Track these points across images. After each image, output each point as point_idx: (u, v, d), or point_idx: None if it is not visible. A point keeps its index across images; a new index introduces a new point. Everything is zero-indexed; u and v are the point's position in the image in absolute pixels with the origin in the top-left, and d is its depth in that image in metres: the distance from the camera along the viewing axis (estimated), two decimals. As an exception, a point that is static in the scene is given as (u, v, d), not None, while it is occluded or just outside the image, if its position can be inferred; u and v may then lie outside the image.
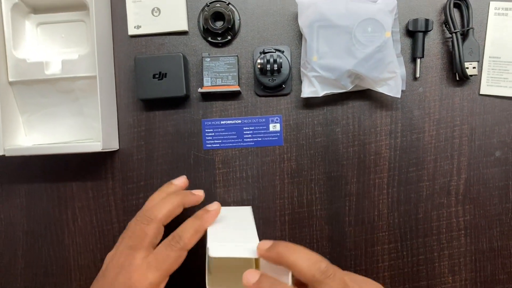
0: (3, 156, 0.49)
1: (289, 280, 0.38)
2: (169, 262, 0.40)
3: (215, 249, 0.39)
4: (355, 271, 0.52)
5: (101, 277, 0.43)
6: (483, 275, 0.52)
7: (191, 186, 0.52)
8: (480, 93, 0.51)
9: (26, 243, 0.54)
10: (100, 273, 0.43)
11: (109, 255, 0.44)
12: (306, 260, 0.37)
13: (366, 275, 0.51)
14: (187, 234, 0.41)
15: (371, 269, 0.52)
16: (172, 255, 0.40)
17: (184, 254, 0.41)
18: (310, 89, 0.49)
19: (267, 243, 0.39)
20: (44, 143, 0.53)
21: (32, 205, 0.54)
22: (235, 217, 0.47)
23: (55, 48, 0.53)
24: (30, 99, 0.52)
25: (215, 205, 0.44)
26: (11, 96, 0.51)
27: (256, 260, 0.43)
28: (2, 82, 0.50)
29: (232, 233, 0.43)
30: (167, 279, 0.41)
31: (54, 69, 0.51)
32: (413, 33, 0.51)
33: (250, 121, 0.52)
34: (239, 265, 0.43)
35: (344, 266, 0.52)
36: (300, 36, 0.51)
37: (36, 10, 0.53)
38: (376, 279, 0.51)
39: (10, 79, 0.51)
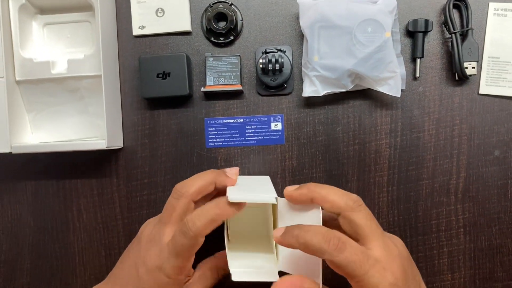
0: (10, 153, 0.50)
1: (320, 218, 0.40)
2: (185, 249, 0.40)
3: (234, 195, 0.40)
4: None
5: (137, 243, 0.45)
6: (482, 272, 0.52)
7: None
8: (480, 92, 0.52)
9: (32, 239, 0.55)
10: (136, 238, 0.46)
11: (149, 220, 0.46)
12: (338, 191, 0.40)
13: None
14: (201, 221, 0.39)
15: (371, 266, 0.53)
16: (186, 242, 0.39)
17: (199, 241, 0.40)
18: (311, 89, 0.50)
19: (294, 186, 0.41)
20: (50, 141, 0.54)
21: (38, 202, 0.55)
22: (253, 181, 0.48)
23: (61, 48, 0.54)
24: (36, 98, 0.53)
25: (236, 196, 0.41)
26: (18, 95, 0.52)
27: (274, 221, 0.44)
28: (10, 81, 0.51)
29: (250, 188, 0.44)
30: (192, 258, 0.41)
31: (60, 69, 0.52)
32: (413, 34, 0.51)
33: (252, 120, 0.53)
34: (256, 229, 0.46)
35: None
36: (301, 36, 0.52)
37: (43, 10, 0.54)
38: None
39: (17, 78, 0.52)
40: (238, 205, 0.40)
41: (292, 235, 0.38)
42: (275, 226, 0.44)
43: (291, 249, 0.40)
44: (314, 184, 0.41)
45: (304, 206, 0.41)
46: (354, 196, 0.39)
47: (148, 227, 0.45)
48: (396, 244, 0.40)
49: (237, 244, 0.46)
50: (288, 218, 0.42)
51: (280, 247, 0.42)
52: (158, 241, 0.42)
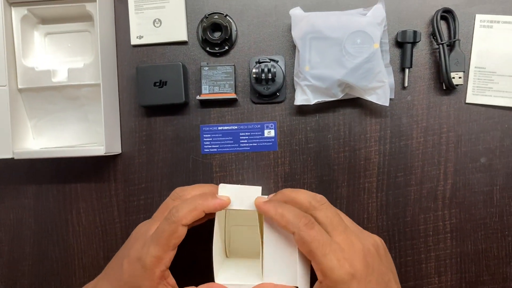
0: (12, 159, 0.52)
1: None
2: (165, 236, 0.41)
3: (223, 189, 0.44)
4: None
5: (128, 240, 0.47)
6: (468, 276, 0.54)
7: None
8: (466, 101, 0.53)
9: (33, 241, 0.57)
10: (129, 237, 0.48)
11: (143, 222, 0.48)
12: (305, 193, 0.44)
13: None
14: (184, 209, 0.42)
15: (360, 269, 0.54)
16: (166, 228, 0.41)
17: (180, 229, 0.41)
18: (303, 97, 0.52)
19: (270, 196, 0.46)
20: (51, 147, 0.56)
21: (39, 206, 0.57)
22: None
23: (61, 57, 0.56)
24: (38, 105, 0.55)
25: (224, 198, 0.44)
26: (20, 102, 0.54)
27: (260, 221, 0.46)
28: (12, 89, 0.53)
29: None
30: (171, 252, 0.42)
31: (60, 77, 0.54)
32: (402, 44, 0.53)
33: (246, 127, 0.55)
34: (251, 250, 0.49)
35: (334, 266, 0.54)
36: (293, 47, 0.54)
37: (44, 20, 0.56)
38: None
39: (20, 86, 0.54)
40: (221, 201, 0.43)
41: (273, 205, 0.42)
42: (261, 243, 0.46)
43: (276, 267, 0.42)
44: (288, 189, 0.45)
45: None
46: (318, 196, 0.44)
47: (139, 226, 0.47)
48: (362, 240, 0.42)
49: (232, 259, 0.49)
50: (272, 232, 0.43)
51: (265, 264, 0.43)
52: (144, 234, 0.44)
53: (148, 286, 0.42)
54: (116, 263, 0.46)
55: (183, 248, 0.44)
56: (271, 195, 0.45)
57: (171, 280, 0.44)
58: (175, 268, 0.44)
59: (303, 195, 0.43)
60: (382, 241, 0.45)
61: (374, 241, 0.44)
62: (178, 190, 0.47)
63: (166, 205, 0.46)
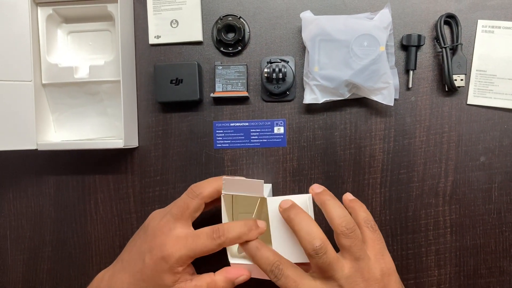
0: (35, 150, 0.55)
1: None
2: (204, 251, 0.45)
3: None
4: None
5: (143, 232, 0.49)
6: (467, 269, 0.56)
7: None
8: (467, 103, 0.56)
9: (53, 229, 0.60)
10: (142, 227, 0.49)
11: (156, 212, 0.50)
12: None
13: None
14: (231, 232, 0.45)
15: (363, 261, 0.57)
16: (209, 246, 0.45)
17: (218, 248, 0.45)
18: (312, 96, 0.54)
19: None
20: (72, 140, 0.58)
21: (59, 195, 0.60)
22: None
23: (83, 55, 0.59)
24: (60, 100, 0.58)
25: (262, 225, 0.47)
26: (44, 97, 0.57)
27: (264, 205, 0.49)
28: (37, 84, 0.55)
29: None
30: (199, 256, 0.46)
31: (82, 74, 0.57)
32: (407, 47, 0.55)
33: (256, 124, 0.58)
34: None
35: (339, 258, 0.57)
36: (303, 48, 0.56)
37: (67, 20, 0.59)
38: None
39: (43, 82, 0.56)
40: (262, 230, 0.46)
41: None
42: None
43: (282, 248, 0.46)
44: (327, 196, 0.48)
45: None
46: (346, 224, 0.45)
47: (155, 219, 0.49)
48: None
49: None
50: (277, 216, 0.46)
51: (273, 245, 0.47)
52: (166, 232, 0.46)
53: (170, 279, 0.45)
54: (135, 257, 0.47)
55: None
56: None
57: (191, 269, 0.47)
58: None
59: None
60: None
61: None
62: (194, 188, 0.48)
63: (185, 203, 0.48)
